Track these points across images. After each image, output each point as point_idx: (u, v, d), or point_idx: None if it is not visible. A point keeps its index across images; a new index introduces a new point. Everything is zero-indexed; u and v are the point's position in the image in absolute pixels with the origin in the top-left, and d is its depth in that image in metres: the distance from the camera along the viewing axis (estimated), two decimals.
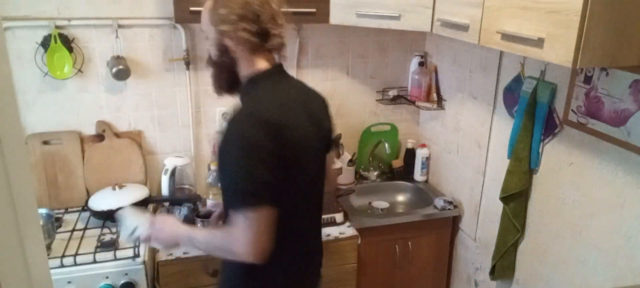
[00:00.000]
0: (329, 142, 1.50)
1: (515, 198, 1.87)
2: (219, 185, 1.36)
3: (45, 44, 2.02)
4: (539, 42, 1.30)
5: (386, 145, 2.53)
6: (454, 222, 2.39)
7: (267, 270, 1.32)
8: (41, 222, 1.89)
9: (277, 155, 1.22)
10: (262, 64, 1.33)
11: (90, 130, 2.21)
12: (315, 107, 1.42)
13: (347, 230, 2.12)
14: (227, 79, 1.39)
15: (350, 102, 2.56)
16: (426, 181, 2.60)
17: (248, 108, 1.29)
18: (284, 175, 1.25)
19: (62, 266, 1.77)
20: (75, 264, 1.78)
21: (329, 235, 2.08)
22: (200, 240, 1.38)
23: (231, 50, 1.31)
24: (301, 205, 1.39)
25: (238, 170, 1.22)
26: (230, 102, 2.32)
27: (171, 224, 1.44)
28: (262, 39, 1.29)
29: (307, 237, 1.48)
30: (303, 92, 1.43)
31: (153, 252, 1.95)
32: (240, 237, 1.23)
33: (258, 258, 1.25)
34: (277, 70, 1.37)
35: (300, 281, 1.48)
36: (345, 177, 2.44)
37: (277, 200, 1.25)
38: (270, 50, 1.33)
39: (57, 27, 2.02)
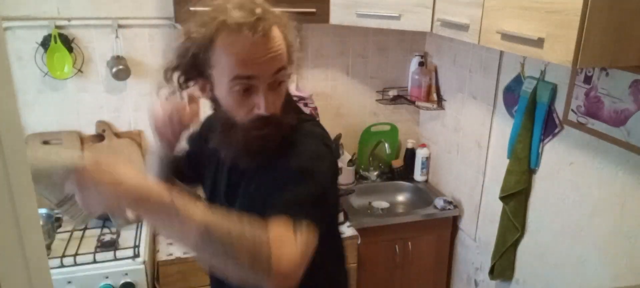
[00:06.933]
0: None
1: (515, 198, 1.87)
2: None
3: (45, 44, 2.01)
4: (539, 42, 1.30)
5: (386, 145, 2.53)
6: (454, 222, 2.39)
7: None
8: (41, 222, 1.89)
9: None
10: None
11: (90, 130, 2.21)
12: None
13: (347, 230, 2.12)
14: None
15: (350, 102, 2.56)
16: (426, 181, 2.60)
17: None
18: None
19: (62, 266, 1.77)
20: (75, 264, 1.78)
21: None
22: (218, 224, 0.81)
23: None
24: None
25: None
26: None
27: (133, 171, 0.83)
28: None
29: None
30: None
31: (153, 252, 1.95)
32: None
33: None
34: None
35: None
36: (345, 177, 2.44)
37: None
38: None
39: (57, 27, 2.02)
